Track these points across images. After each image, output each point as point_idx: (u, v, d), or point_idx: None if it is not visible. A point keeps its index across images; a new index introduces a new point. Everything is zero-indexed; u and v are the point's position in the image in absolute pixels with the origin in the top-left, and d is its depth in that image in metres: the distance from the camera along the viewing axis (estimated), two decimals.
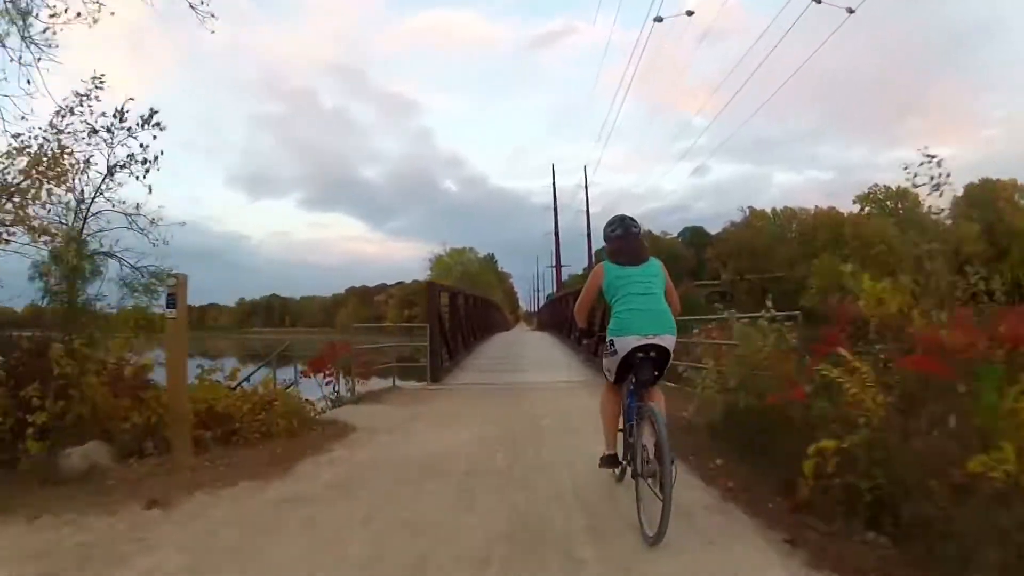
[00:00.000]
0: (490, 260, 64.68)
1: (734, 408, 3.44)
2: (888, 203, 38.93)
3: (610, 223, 2.83)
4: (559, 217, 31.77)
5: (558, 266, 34.75)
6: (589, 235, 31.91)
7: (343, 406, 5.90)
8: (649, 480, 2.28)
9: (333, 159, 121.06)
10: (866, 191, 39.50)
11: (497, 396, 6.69)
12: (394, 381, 7.49)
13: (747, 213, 42.17)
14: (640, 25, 50.18)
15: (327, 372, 6.43)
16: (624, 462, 2.74)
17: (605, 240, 2.85)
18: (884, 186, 39.18)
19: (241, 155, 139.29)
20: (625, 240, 2.76)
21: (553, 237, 34.34)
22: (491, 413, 5.38)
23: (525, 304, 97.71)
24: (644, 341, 2.49)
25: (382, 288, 73.41)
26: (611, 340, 2.60)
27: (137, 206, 4.57)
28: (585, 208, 32.61)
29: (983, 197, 33.11)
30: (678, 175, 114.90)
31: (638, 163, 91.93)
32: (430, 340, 7.81)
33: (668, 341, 2.53)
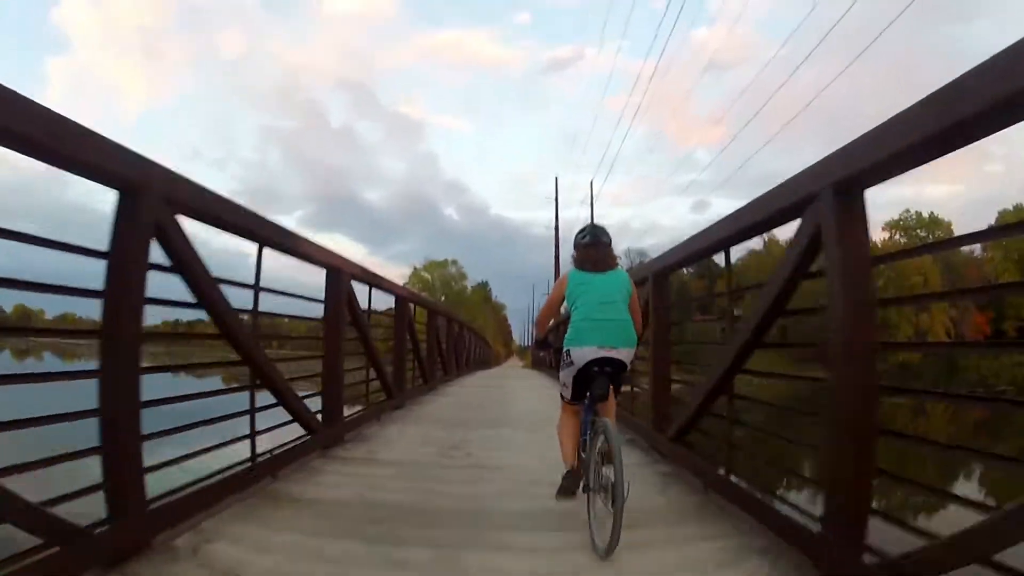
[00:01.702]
0: (484, 287, 62.88)
1: None
2: (919, 231, 38.81)
3: (581, 231, 2.71)
4: (559, 246, 26.87)
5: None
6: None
7: None
8: (601, 494, 2.19)
9: (337, 179, 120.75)
10: (896, 218, 39.70)
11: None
12: None
13: (766, 240, 38.69)
14: (647, 54, 48.89)
15: None
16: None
17: (574, 247, 2.68)
18: (915, 212, 39.85)
19: (247, 168, 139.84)
20: (594, 248, 2.59)
21: (552, 265, 29.32)
22: None
23: (519, 339, 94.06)
24: (601, 353, 2.36)
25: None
26: (567, 350, 2.45)
27: None
28: (590, 220, 27.28)
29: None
30: (678, 210, 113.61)
31: (638, 195, 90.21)
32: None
33: (625, 354, 2.40)
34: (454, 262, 56.47)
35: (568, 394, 2.55)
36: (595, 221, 24.78)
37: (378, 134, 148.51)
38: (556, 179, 37.45)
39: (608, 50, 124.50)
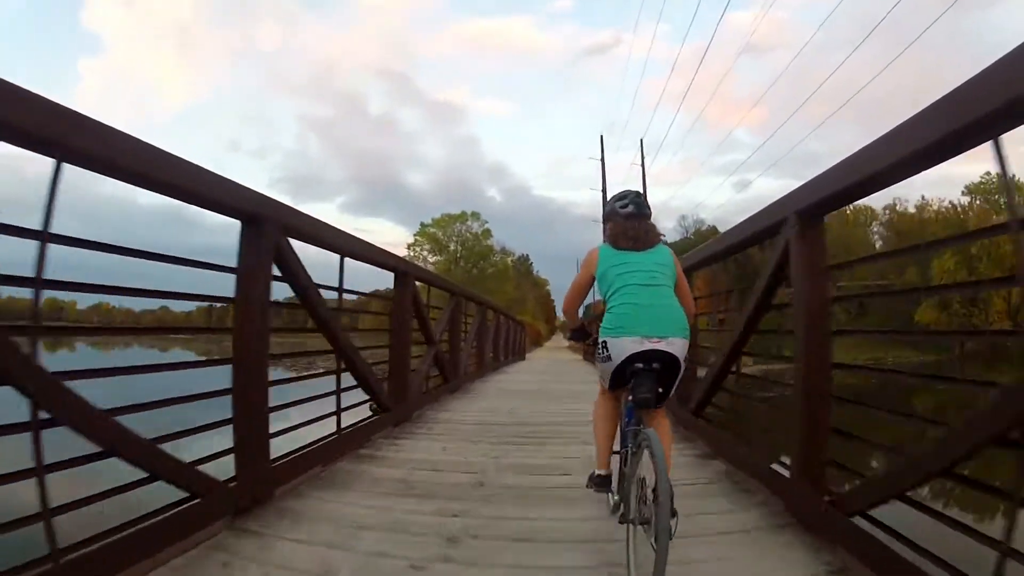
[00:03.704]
0: (524, 261, 57.30)
1: None
2: (999, 195, 35.58)
3: (620, 196, 2.25)
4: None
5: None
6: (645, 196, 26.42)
7: None
8: (643, 527, 1.70)
9: (378, 164, 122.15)
10: (978, 180, 36.29)
11: None
12: None
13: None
14: (683, 38, 47.47)
15: None
16: (616, 496, 2.19)
17: (609, 217, 2.25)
18: (996, 174, 35.76)
19: (287, 157, 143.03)
20: (637, 220, 2.18)
21: (600, 241, 28.44)
22: None
23: (561, 314, 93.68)
24: (645, 346, 1.93)
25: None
26: (603, 341, 2.03)
27: None
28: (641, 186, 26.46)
29: None
30: (719, 189, 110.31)
31: (679, 175, 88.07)
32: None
33: (678, 347, 1.95)
34: (475, 215, 44.60)
35: (606, 384, 2.17)
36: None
37: (418, 120, 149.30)
38: (601, 136, 36.32)
39: (646, 34, 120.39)
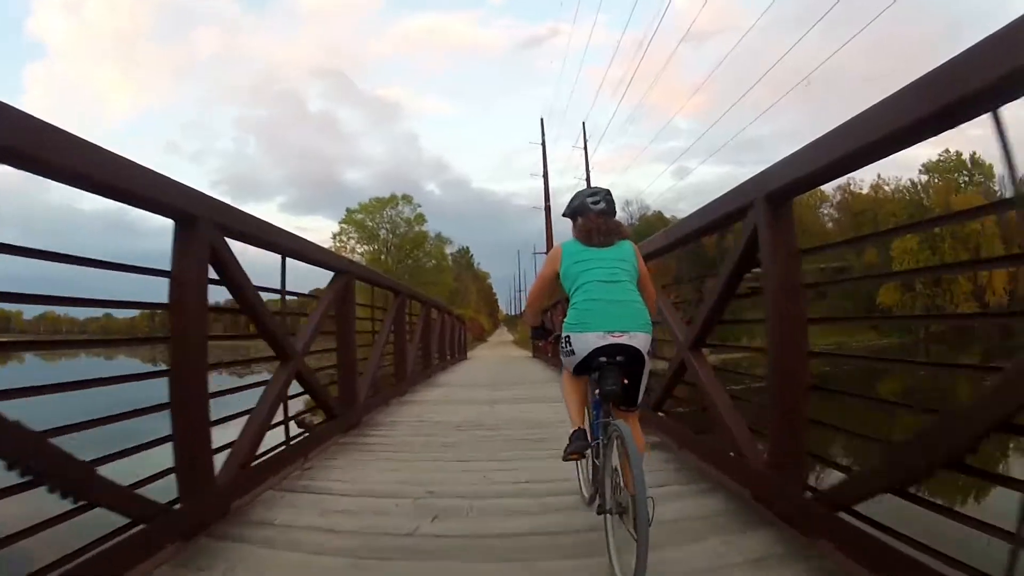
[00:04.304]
0: (465, 253, 55.37)
1: None
2: (958, 174, 36.42)
3: (592, 192, 2.29)
4: (548, 191, 25.43)
5: (548, 222, 26.69)
6: (588, 183, 25.62)
7: None
8: (620, 516, 1.79)
9: (317, 163, 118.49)
10: (936, 159, 36.42)
11: None
12: None
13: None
14: (624, 26, 48.45)
15: None
16: (591, 488, 2.28)
17: (579, 212, 2.25)
18: (956, 152, 36.19)
19: (226, 159, 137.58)
20: (605, 217, 2.21)
21: (543, 236, 28.14)
22: None
23: (505, 308, 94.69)
24: (608, 340, 1.98)
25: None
26: (567, 336, 2.09)
27: None
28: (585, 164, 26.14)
29: None
30: (659, 177, 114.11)
31: (620, 163, 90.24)
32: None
33: (640, 341, 2.00)
34: (406, 198, 39.69)
35: (571, 369, 2.19)
36: (587, 181, 24.51)
37: (358, 120, 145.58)
38: (542, 119, 36.63)
39: (585, 24, 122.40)
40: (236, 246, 2.71)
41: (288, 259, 3.33)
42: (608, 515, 1.88)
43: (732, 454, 2.71)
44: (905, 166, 38.94)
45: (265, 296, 3.06)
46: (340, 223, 38.49)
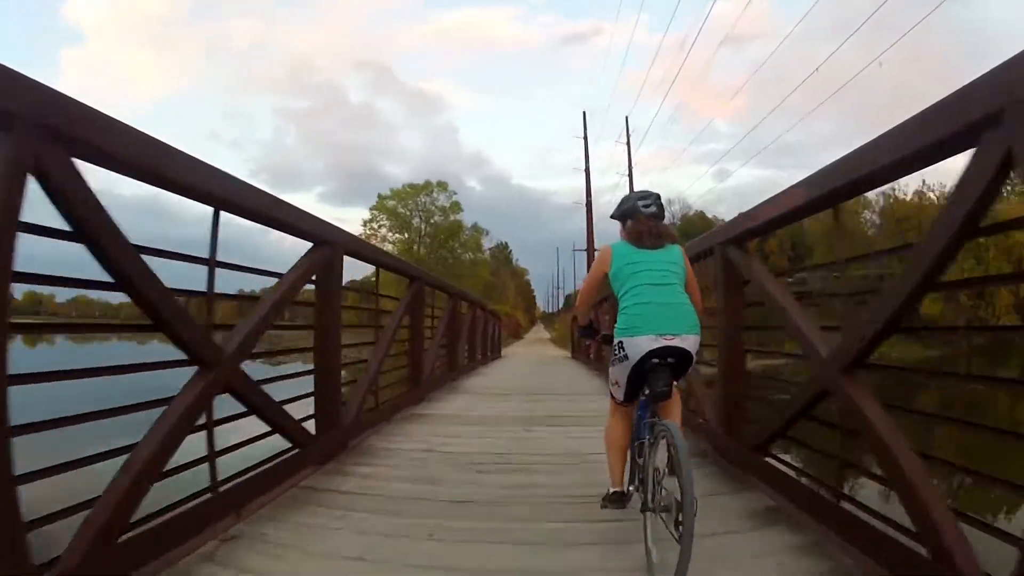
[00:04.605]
0: (504, 249, 53.10)
1: None
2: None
3: (643, 195, 2.29)
4: (590, 191, 24.43)
5: (589, 217, 25.51)
6: (631, 179, 24.93)
7: None
8: (663, 515, 1.81)
9: (357, 154, 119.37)
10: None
11: None
12: None
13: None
14: (669, 27, 46.24)
15: None
16: (631, 488, 2.22)
17: (629, 215, 2.27)
18: None
19: (265, 148, 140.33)
20: (656, 220, 2.24)
21: (584, 229, 26.83)
22: None
23: (543, 305, 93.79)
24: (661, 343, 1.98)
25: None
26: (619, 342, 2.08)
27: None
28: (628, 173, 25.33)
29: None
30: (700, 179, 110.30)
31: (659, 163, 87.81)
32: None
33: (691, 343, 2.03)
34: (442, 185, 36.69)
35: (620, 394, 2.18)
36: (630, 185, 23.57)
37: (398, 112, 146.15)
38: (584, 113, 33.85)
39: (627, 23, 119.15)
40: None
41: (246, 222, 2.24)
42: (650, 513, 1.93)
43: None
44: (945, 173, 36.26)
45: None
46: (371, 209, 35.61)
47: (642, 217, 2.23)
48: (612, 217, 2.37)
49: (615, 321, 2.13)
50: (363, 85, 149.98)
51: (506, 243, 55.63)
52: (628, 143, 24.25)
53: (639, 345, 2.00)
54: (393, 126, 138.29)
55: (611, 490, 2.20)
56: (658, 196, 2.31)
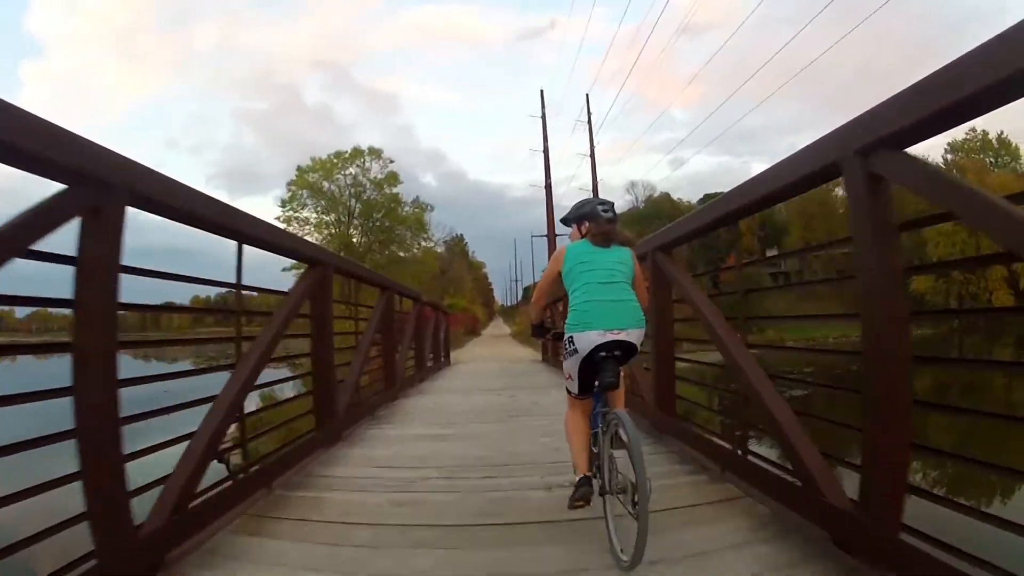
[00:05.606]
0: (459, 241, 50.42)
1: None
2: (984, 155, 35.12)
3: (602, 202, 2.44)
4: (549, 177, 23.42)
5: (548, 199, 24.26)
6: (593, 158, 24.39)
7: None
8: (620, 496, 2.02)
9: (315, 155, 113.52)
10: (963, 137, 34.78)
11: None
12: None
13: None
14: (624, 19, 47.42)
15: None
16: (589, 474, 2.29)
17: (588, 217, 2.39)
18: (982, 132, 34.56)
19: (223, 152, 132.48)
20: (612, 223, 2.37)
21: (541, 225, 26.33)
22: None
23: (501, 298, 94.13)
24: (608, 337, 2.17)
25: None
26: (570, 337, 2.25)
27: None
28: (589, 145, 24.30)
29: None
30: (656, 168, 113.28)
31: (616, 154, 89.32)
32: None
33: (635, 336, 2.22)
34: (373, 151, 30.58)
35: (575, 388, 2.33)
36: (592, 164, 23.55)
37: (355, 111, 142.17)
38: (542, 92, 27.32)
39: (581, 18, 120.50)
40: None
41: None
42: (608, 496, 2.13)
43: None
44: (931, 145, 37.23)
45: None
46: (288, 185, 29.46)
47: (602, 221, 2.36)
48: (564, 220, 2.53)
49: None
50: (322, 85, 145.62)
51: (461, 235, 53.22)
52: (589, 119, 23.86)
53: (588, 339, 2.16)
54: (351, 126, 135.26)
55: (577, 476, 2.28)
56: (613, 204, 2.49)
